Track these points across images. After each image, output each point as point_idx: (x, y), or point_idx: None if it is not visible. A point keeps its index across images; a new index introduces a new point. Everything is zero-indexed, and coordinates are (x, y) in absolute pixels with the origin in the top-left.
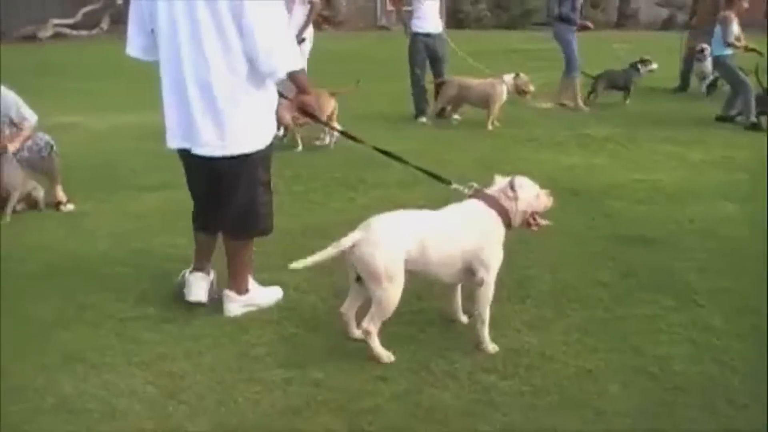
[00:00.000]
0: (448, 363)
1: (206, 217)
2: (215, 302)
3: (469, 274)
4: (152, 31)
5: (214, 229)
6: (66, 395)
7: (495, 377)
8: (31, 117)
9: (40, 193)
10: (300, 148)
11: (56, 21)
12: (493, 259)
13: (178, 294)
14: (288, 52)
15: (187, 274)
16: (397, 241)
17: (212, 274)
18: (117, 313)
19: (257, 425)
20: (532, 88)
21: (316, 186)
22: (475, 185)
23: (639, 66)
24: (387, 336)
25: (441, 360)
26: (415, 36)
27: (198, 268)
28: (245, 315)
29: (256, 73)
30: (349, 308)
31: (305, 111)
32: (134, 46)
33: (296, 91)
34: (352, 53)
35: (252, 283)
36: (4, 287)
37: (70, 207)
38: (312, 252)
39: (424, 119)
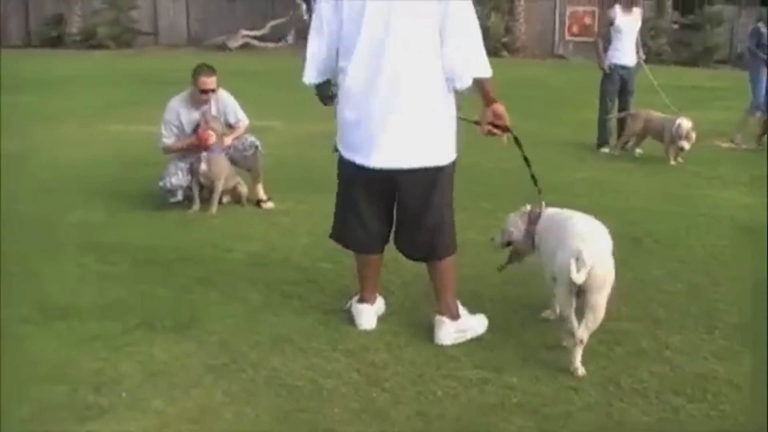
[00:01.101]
0: (636, 381)
1: (379, 239)
2: (412, 304)
3: None
4: (335, 51)
5: (380, 251)
6: (277, 370)
7: (683, 399)
8: (245, 119)
9: (243, 189)
10: None
11: (245, 32)
12: None
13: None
14: (484, 57)
15: (354, 303)
16: (611, 248)
17: (380, 301)
18: (320, 305)
19: (456, 417)
20: (692, 136)
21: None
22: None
23: None
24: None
25: (629, 377)
26: (611, 67)
27: (364, 298)
28: None
29: (445, 81)
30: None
31: (496, 124)
32: (312, 76)
33: (487, 102)
34: (529, 80)
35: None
36: (214, 270)
37: (270, 205)
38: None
39: (606, 149)
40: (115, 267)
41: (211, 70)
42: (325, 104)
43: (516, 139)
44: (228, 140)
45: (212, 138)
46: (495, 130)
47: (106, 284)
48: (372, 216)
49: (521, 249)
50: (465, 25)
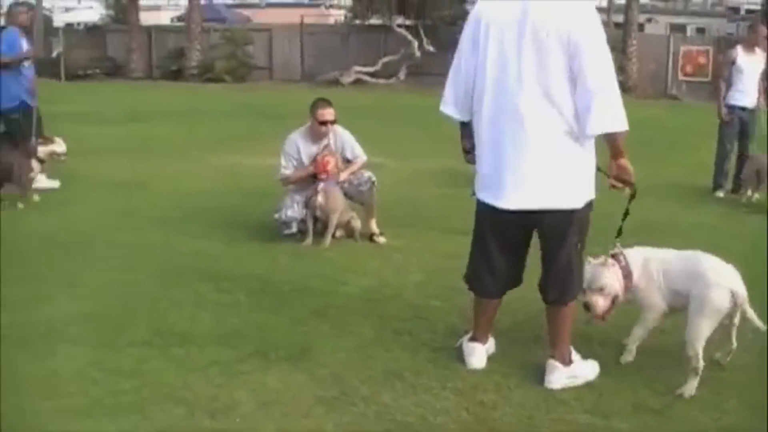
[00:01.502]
0: None
1: (506, 286)
2: (522, 345)
3: None
4: (471, 91)
5: (502, 296)
6: (387, 406)
7: None
8: (362, 155)
9: (357, 223)
10: None
11: (358, 68)
12: None
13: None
14: (619, 109)
15: (465, 341)
16: None
17: (491, 342)
18: (430, 342)
19: None
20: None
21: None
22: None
23: None
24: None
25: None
26: (731, 109)
27: (476, 337)
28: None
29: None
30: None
31: (622, 178)
32: (449, 106)
33: (614, 155)
34: (642, 121)
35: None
36: (327, 303)
37: (383, 240)
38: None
39: (721, 194)
40: (231, 296)
41: (328, 102)
42: (466, 160)
43: (633, 195)
44: (344, 175)
45: (331, 164)
46: (618, 184)
47: (222, 312)
48: (503, 261)
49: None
50: (599, 70)
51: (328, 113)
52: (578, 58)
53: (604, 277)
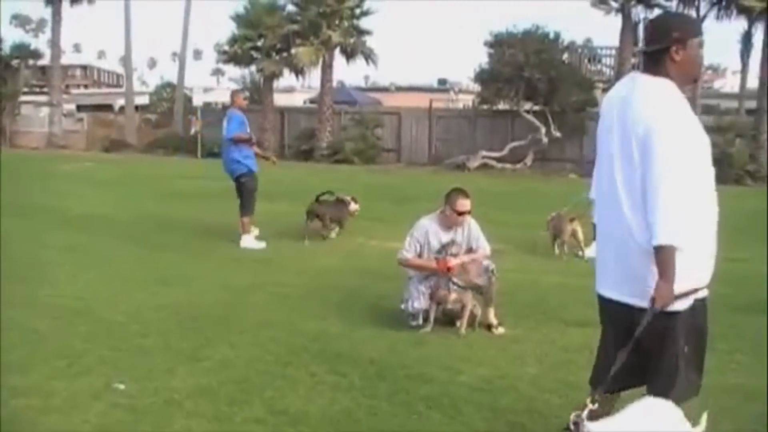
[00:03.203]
0: None
1: (610, 379)
2: None
3: None
4: None
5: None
6: None
7: None
8: (486, 247)
9: (478, 312)
10: None
11: (485, 153)
12: None
13: None
14: (662, 222)
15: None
16: None
17: None
18: None
19: None
20: None
21: (743, 346)
22: None
23: None
24: None
25: None
26: None
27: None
28: None
29: None
30: None
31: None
32: (593, 190)
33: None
34: None
35: None
36: (440, 391)
37: (501, 330)
38: None
39: None
40: (346, 379)
41: (466, 193)
42: None
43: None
44: (460, 260)
45: (453, 267)
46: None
47: (336, 395)
48: (609, 353)
49: None
50: (656, 183)
51: (467, 204)
52: (643, 165)
53: None
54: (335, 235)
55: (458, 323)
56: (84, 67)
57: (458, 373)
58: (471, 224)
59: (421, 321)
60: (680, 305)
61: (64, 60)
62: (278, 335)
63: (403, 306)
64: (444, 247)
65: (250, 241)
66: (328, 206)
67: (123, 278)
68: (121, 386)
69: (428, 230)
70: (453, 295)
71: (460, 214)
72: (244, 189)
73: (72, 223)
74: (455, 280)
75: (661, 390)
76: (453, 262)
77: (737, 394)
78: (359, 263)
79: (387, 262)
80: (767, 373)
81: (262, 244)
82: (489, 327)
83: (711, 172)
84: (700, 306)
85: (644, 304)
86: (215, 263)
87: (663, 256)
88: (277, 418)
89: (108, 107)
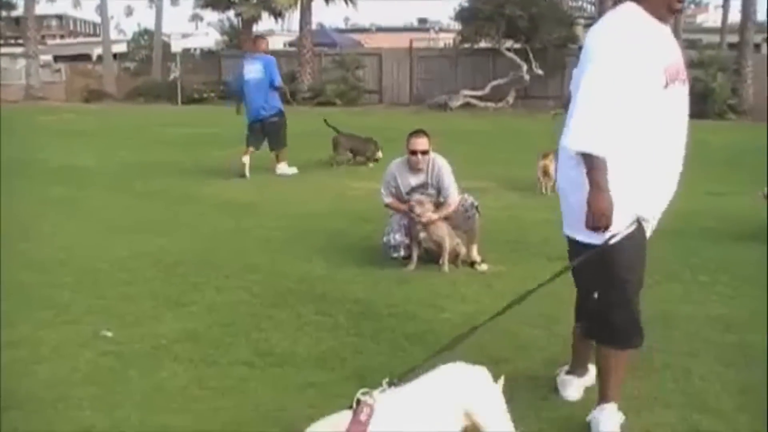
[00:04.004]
0: None
1: (581, 314)
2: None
3: None
4: None
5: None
6: None
7: None
8: (454, 195)
9: (461, 249)
10: None
11: (467, 92)
12: None
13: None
14: (574, 127)
15: (562, 374)
16: None
17: (588, 375)
18: (527, 371)
19: None
20: None
21: (723, 278)
22: None
23: None
24: None
25: None
26: None
27: (571, 370)
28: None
29: None
30: None
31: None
32: None
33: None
34: (758, 146)
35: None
36: (425, 328)
37: (484, 267)
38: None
39: None
40: (331, 318)
41: (422, 132)
42: None
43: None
44: (433, 216)
45: (423, 218)
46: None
47: (321, 335)
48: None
49: None
50: (579, 94)
51: (419, 143)
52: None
53: None
54: (372, 165)
55: (441, 261)
56: (59, 17)
57: (442, 310)
58: (441, 167)
59: (402, 252)
60: (597, 239)
61: (39, 10)
62: (264, 278)
63: (385, 239)
64: (413, 189)
65: (285, 168)
66: (355, 140)
67: (107, 227)
68: (109, 333)
69: (396, 174)
70: (423, 233)
71: (414, 153)
72: (277, 127)
73: (54, 174)
74: (422, 235)
75: (595, 335)
76: (423, 219)
77: (718, 325)
78: (343, 205)
79: (371, 204)
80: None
81: (294, 170)
82: (472, 264)
83: (667, 106)
84: (629, 242)
85: (573, 234)
86: (199, 209)
87: (587, 165)
88: (264, 360)
89: (86, 57)
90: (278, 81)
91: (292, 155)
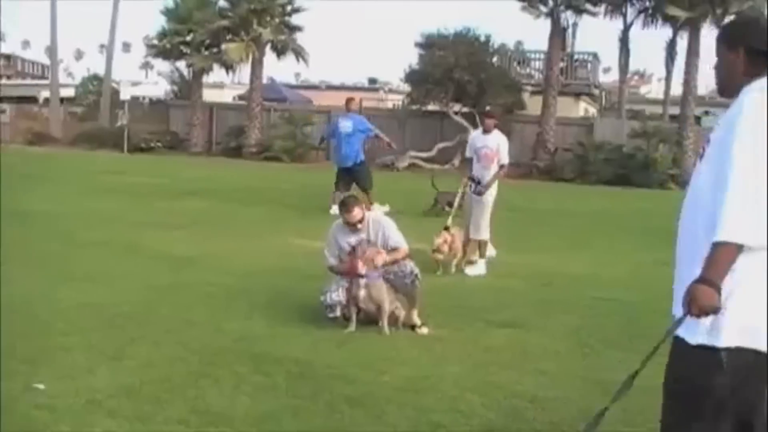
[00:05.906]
0: None
1: None
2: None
3: None
4: None
5: None
6: None
7: None
8: (403, 244)
9: (401, 313)
10: None
11: (414, 153)
12: None
13: None
14: (725, 218)
15: None
16: None
17: None
18: None
19: None
20: None
21: None
22: None
23: None
24: None
25: None
26: None
27: None
28: None
29: None
30: None
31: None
32: None
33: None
34: None
35: None
36: (364, 391)
37: (425, 330)
38: None
39: None
40: (270, 379)
41: (352, 203)
42: None
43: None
44: (380, 260)
45: (361, 269)
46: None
47: (259, 395)
48: None
49: None
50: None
51: (351, 216)
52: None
53: None
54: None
55: (380, 323)
56: (8, 57)
57: (381, 372)
58: (379, 222)
59: (338, 313)
60: (722, 340)
61: None
62: (202, 335)
63: (321, 298)
64: (354, 249)
65: (378, 207)
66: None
67: (47, 275)
68: (41, 386)
69: (336, 235)
70: (362, 292)
71: (349, 224)
72: (363, 170)
73: None
74: (361, 294)
75: None
76: (360, 270)
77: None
78: (286, 263)
79: (314, 261)
80: None
81: (386, 208)
82: (413, 327)
83: None
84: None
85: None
86: (141, 261)
87: (717, 253)
88: (200, 418)
89: (32, 99)
90: (371, 131)
91: (238, 210)
